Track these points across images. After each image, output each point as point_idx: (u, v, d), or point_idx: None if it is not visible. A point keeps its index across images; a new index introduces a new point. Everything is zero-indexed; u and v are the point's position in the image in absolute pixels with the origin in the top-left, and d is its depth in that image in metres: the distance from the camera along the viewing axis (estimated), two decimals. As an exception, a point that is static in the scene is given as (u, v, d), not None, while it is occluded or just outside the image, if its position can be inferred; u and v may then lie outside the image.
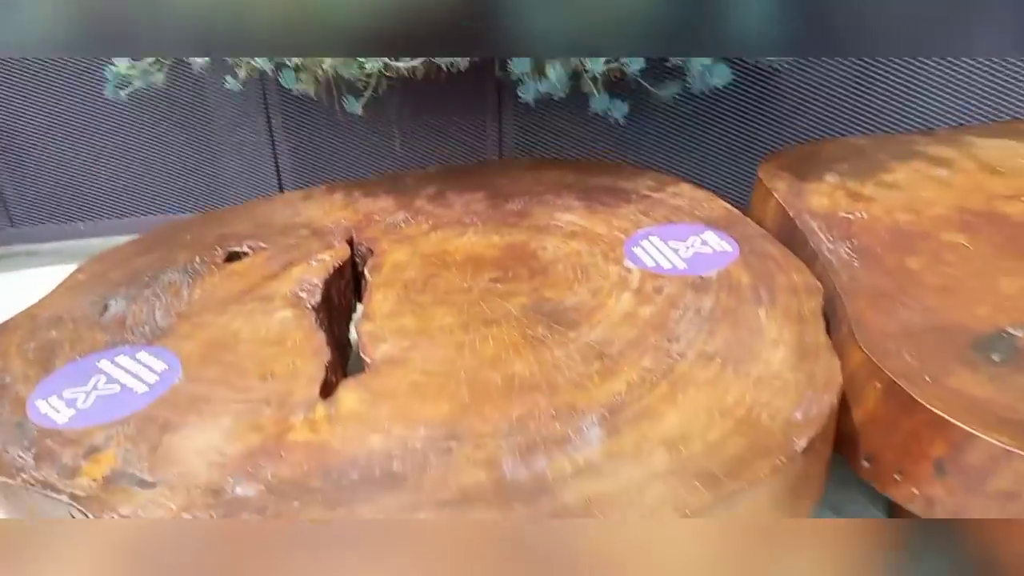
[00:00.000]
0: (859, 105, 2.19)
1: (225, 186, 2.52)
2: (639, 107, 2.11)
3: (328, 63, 1.65)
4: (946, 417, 0.99)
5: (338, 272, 1.49)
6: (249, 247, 1.58)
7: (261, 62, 1.70)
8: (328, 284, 1.44)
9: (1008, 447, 0.94)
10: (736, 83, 2.18)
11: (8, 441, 1.06)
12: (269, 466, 0.98)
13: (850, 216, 1.53)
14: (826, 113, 2.22)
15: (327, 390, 1.14)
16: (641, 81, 1.83)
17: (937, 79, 2.11)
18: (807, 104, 2.22)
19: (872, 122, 2.21)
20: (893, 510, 1.44)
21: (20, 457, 1.03)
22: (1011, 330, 1.15)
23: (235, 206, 1.81)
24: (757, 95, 2.23)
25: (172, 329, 1.30)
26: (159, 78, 1.87)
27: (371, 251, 1.55)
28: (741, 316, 1.24)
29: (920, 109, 2.16)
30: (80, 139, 2.42)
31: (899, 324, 1.18)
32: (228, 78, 1.80)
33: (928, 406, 1.01)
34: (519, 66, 1.66)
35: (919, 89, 2.13)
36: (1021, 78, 2.07)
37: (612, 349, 1.18)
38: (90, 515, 0.93)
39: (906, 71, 2.12)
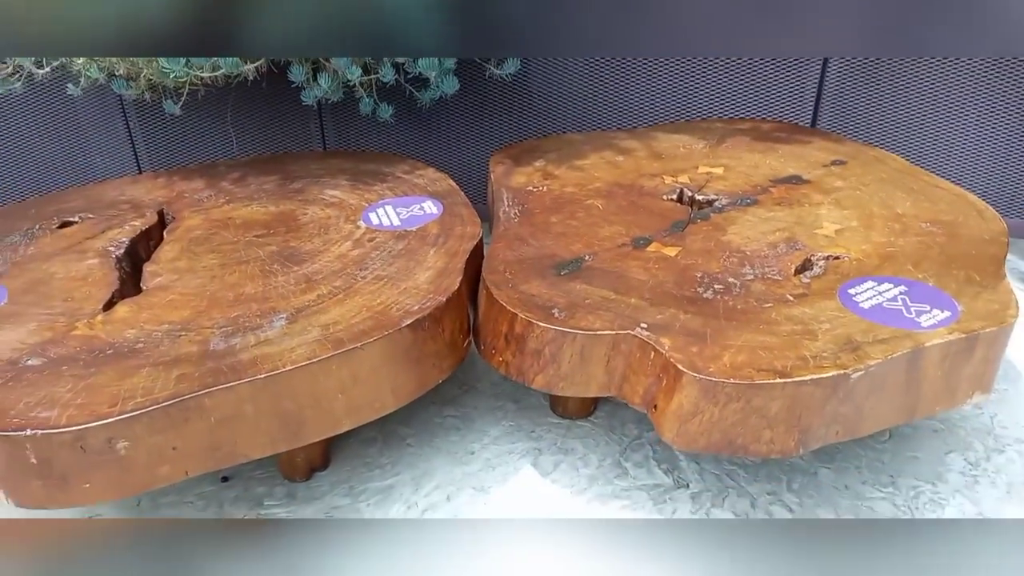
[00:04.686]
0: (588, 107, 2.76)
1: (91, 179, 2.95)
2: (412, 109, 2.65)
3: (145, 71, 2.13)
4: (505, 305, 1.54)
5: (145, 234, 1.96)
6: (80, 217, 2.04)
7: (95, 71, 2.16)
8: (134, 242, 1.91)
9: (531, 320, 1.49)
10: (481, 89, 2.72)
11: None
12: (53, 349, 1.46)
13: (533, 190, 2.08)
14: (563, 113, 2.78)
15: (110, 307, 1.62)
16: (408, 87, 2.36)
17: (651, 88, 2.71)
18: (544, 106, 2.78)
19: (598, 121, 2.78)
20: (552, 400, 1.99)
21: None
22: (586, 257, 1.71)
23: (73, 187, 2.26)
24: (506, 101, 2.78)
25: (6, 272, 1.76)
26: (17, 87, 2.31)
27: (174, 218, 2.03)
28: (417, 254, 1.77)
29: (637, 110, 2.75)
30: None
31: (516, 256, 1.73)
32: (70, 85, 2.26)
33: (499, 300, 1.56)
34: (297, 75, 2.17)
35: (638, 94, 2.72)
36: (714, 84, 2.68)
37: (319, 276, 1.69)
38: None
39: (627, 78, 2.71)
